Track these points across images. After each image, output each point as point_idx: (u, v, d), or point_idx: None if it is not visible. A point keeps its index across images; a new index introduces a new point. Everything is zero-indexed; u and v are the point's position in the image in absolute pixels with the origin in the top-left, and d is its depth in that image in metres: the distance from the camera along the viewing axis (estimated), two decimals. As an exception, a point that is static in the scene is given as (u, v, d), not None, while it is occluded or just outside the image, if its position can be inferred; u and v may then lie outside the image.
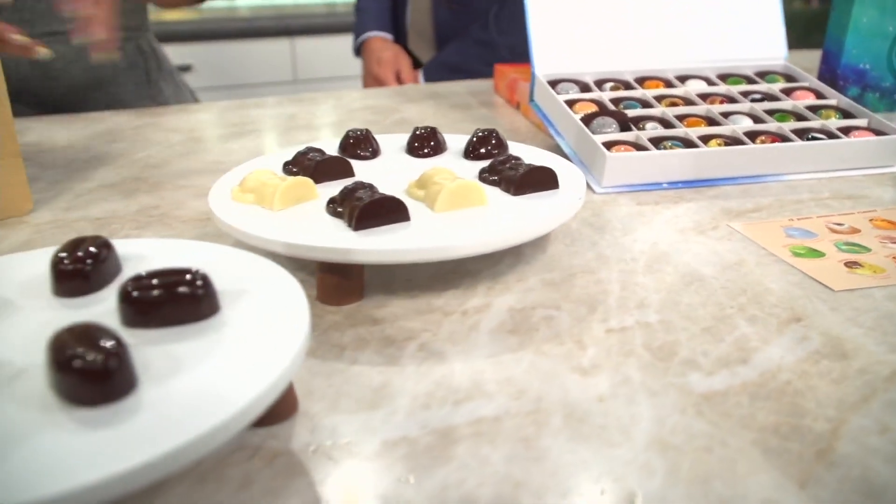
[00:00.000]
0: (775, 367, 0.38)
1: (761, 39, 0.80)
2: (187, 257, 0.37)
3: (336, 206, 0.45)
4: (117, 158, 0.74)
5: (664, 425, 0.34)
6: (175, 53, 1.15)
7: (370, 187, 0.47)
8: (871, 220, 0.55)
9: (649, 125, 0.69)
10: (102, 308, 0.33)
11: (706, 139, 0.66)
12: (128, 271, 0.36)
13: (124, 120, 0.88)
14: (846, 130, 0.68)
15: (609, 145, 0.64)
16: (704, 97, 0.75)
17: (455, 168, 0.52)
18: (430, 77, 1.28)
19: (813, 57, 1.00)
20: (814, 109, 0.73)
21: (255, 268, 0.36)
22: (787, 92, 0.76)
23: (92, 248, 0.34)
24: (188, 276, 0.31)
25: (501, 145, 0.57)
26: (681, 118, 0.70)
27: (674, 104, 0.73)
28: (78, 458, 0.23)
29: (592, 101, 0.72)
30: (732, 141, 0.66)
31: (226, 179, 0.51)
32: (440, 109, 0.91)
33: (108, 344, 0.26)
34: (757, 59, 0.80)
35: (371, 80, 1.34)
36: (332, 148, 0.58)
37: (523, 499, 0.29)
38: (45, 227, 0.57)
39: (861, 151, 0.65)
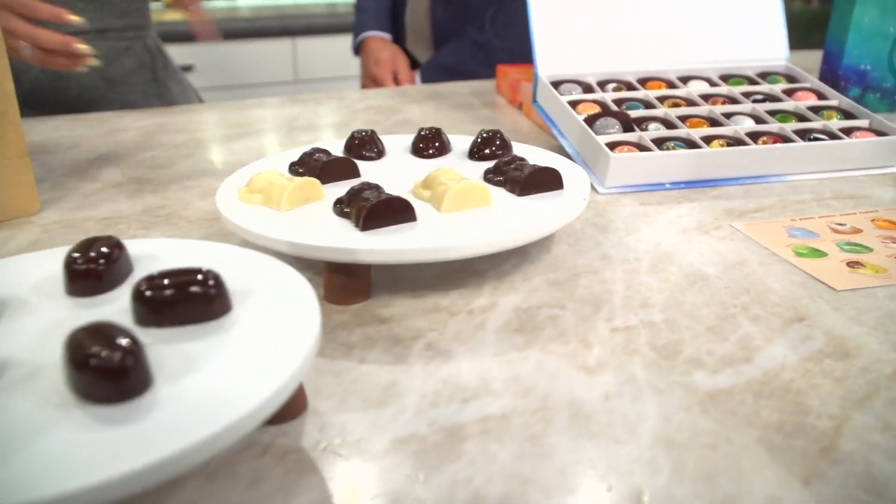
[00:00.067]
0: (779, 366, 0.38)
1: (763, 40, 0.81)
2: (197, 257, 0.37)
3: (343, 207, 0.46)
4: (123, 159, 0.75)
5: (670, 423, 0.34)
6: (176, 53, 1.15)
7: (377, 188, 0.47)
8: (872, 220, 0.56)
9: (652, 126, 0.69)
10: (115, 307, 0.33)
11: (708, 140, 0.67)
12: (139, 271, 0.36)
13: (129, 120, 0.88)
14: (847, 131, 0.69)
15: (612, 146, 0.65)
16: (706, 98, 0.75)
17: (460, 169, 0.53)
18: (427, 78, 1.28)
19: (814, 57, 1.00)
20: (815, 110, 0.73)
21: (264, 267, 0.36)
22: (789, 93, 0.76)
23: (104, 249, 0.35)
24: (200, 276, 0.31)
25: (506, 146, 0.57)
26: (683, 119, 0.70)
27: (676, 105, 0.73)
28: (95, 454, 0.24)
29: (595, 101, 0.73)
30: (734, 141, 0.67)
31: (232, 180, 0.52)
32: (442, 110, 0.91)
33: (124, 342, 0.26)
34: (758, 60, 0.81)
35: (369, 79, 1.35)
36: (337, 149, 0.58)
37: (531, 495, 0.30)
38: (52, 227, 0.58)
39: (862, 152, 0.66)
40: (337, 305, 0.45)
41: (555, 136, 0.72)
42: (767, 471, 0.31)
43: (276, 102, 0.97)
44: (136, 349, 0.26)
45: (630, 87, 0.77)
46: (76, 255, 0.34)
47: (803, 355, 0.39)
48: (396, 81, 1.31)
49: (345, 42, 2.18)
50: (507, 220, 0.45)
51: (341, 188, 0.49)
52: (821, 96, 0.76)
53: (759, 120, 0.71)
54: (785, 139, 0.67)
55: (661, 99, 0.74)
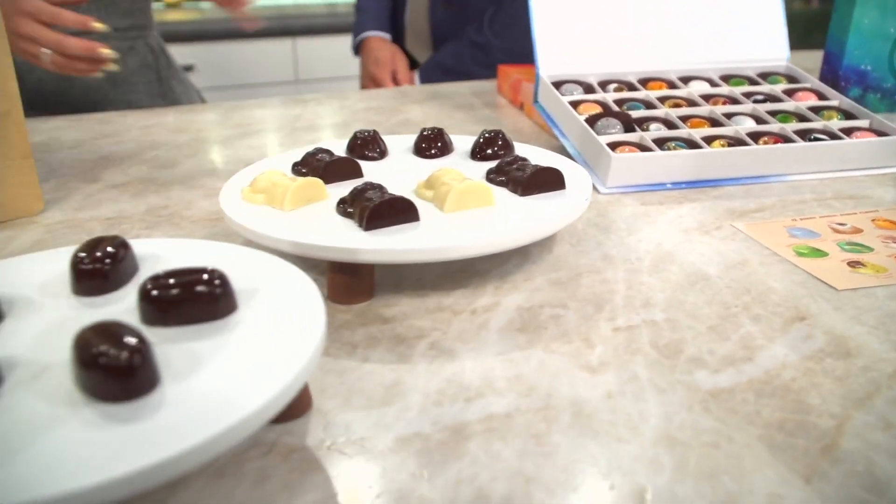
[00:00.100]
0: (780, 365, 0.39)
1: (763, 40, 0.81)
2: (202, 257, 0.38)
3: (346, 207, 0.46)
4: (125, 159, 0.75)
5: (672, 422, 0.34)
6: (177, 53, 1.16)
7: (380, 188, 0.47)
8: (873, 220, 0.56)
9: (653, 126, 0.69)
10: (122, 306, 0.33)
11: (709, 140, 0.67)
12: (144, 271, 0.37)
13: (131, 120, 0.89)
14: (848, 131, 0.69)
15: (613, 146, 0.65)
16: (707, 98, 0.75)
17: (462, 169, 0.53)
18: (426, 78, 1.29)
19: (815, 58, 1.01)
20: (816, 110, 0.73)
21: (269, 267, 0.36)
22: (790, 93, 0.76)
23: (110, 248, 0.35)
24: (206, 276, 0.32)
25: (508, 146, 0.57)
26: (684, 119, 0.71)
27: (677, 105, 0.74)
28: (104, 452, 0.24)
29: (596, 102, 0.73)
30: (735, 142, 0.67)
31: (235, 180, 0.52)
32: (444, 110, 0.91)
33: (132, 341, 0.26)
34: (759, 61, 0.81)
35: (368, 79, 1.35)
36: (340, 149, 0.58)
37: (535, 493, 0.30)
38: (56, 227, 0.58)
39: (863, 152, 0.66)
40: (340, 305, 0.45)
41: (556, 136, 0.72)
42: (769, 469, 0.31)
43: (278, 102, 0.97)
44: (143, 348, 0.27)
45: (631, 87, 0.77)
46: (83, 254, 0.34)
47: (804, 354, 0.39)
48: (395, 81, 1.31)
49: (345, 42, 2.18)
50: (509, 220, 0.45)
51: (344, 188, 0.49)
52: (821, 96, 0.76)
53: (759, 120, 0.71)
54: (786, 139, 0.67)
55: (662, 99, 0.75)
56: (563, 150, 0.70)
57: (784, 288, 0.46)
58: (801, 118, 0.72)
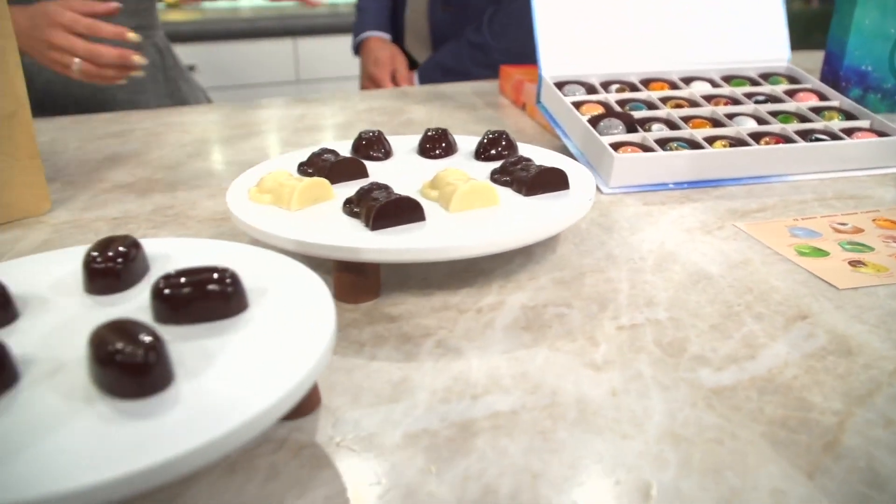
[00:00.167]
0: (782, 363, 0.39)
1: (764, 41, 0.81)
2: (212, 256, 0.38)
3: (353, 207, 0.47)
4: (130, 159, 0.75)
5: (676, 418, 0.35)
6: (178, 54, 1.17)
7: (386, 188, 0.48)
8: (874, 219, 0.57)
9: (655, 126, 0.70)
10: (134, 305, 0.34)
11: (711, 140, 0.67)
12: (155, 270, 0.37)
13: (135, 121, 0.89)
14: (849, 132, 0.69)
15: (616, 146, 0.65)
16: (709, 99, 0.76)
17: (466, 169, 0.53)
18: (425, 78, 1.29)
19: (815, 58, 1.01)
20: (817, 111, 0.74)
21: (278, 266, 0.37)
22: (791, 93, 0.77)
23: (122, 248, 0.35)
24: (218, 275, 0.32)
25: (511, 146, 0.58)
26: (686, 119, 0.71)
27: (679, 106, 0.74)
28: (121, 447, 0.25)
29: (599, 102, 0.74)
30: (737, 142, 0.67)
31: (241, 180, 0.53)
32: (446, 110, 0.92)
33: (147, 339, 0.27)
34: (760, 61, 0.82)
35: (367, 79, 1.36)
36: (344, 149, 0.59)
37: (541, 489, 0.31)
38: (63, 227, 0.58)
39: (864, 152, 0.66)
40: (347, 304, 0.45)
41: (558, 136, 0.73)
42: (772, 465, 0.32)
43: (281, 103, 0.97)
44: (158, 345, 0.27)
45: (633, 87, 0.78)
46: (95, 254, 0.35)
47: (806, 353, 0.40)
48: (395, 82, 1.32)
49: (346, 42, 2.19)
50: (514, 219, 0.46)
51: (350, 188, 0.49)
52: (822, 97, 0.77)
53: (761, 121, 0.71)
54: (787, 140, 0.68)
55: (664, 100, 0.75)
56: (565, 151, 0.71)
57: (786, 287, 0.47)
58: (802, 119, 0.72)
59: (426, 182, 0.51)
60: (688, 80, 0.79)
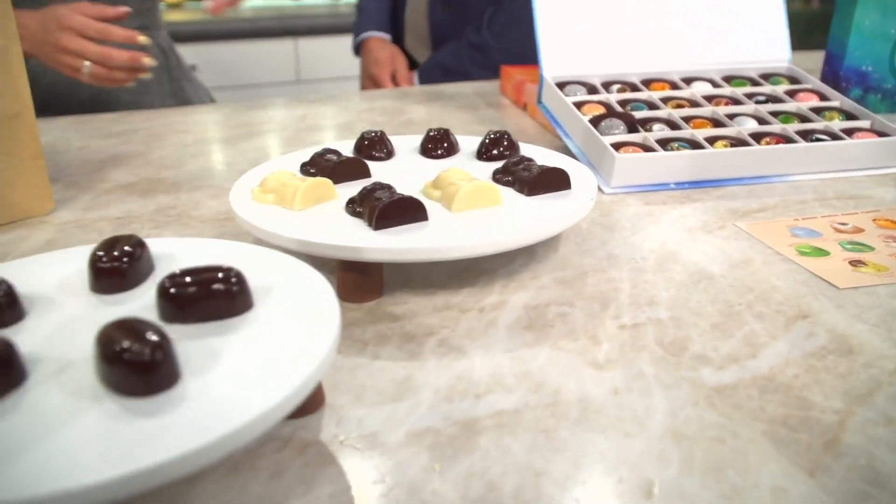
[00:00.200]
0: (783, 362, 0.39)
1: (765, 42, 0.82)
2: (216, 256, 0.38)
3: (356, 206, 0.47)
4: (132, 159, 0.75)
5: (677, 417, 0.35)
6: (181, 53, 1.17)
7: (388, 188, 0.48)
8: (874, 219, 0.57)
9: (656, 127, 0.70)
10: (140, 304, 0.34)
11: (712, 140, 0.68)
12: (160, 269, 0.37)
13: (137, 121, 0.89)
14: (849, 132, 0.70)
15: (617, 146, 0.66)
16: (710, 99, 0.76)
17: (468, 169, 0.54)
18: (424, 78, 1.29)
19: (816, 58, 1.01)
20: (817, 111, 0.74)
21: (282, 266, 0.37)
22: (791, 94, 0.77)
23: (127, 247, 0.36)
24: (223, 274, 0.32)
25: (513, 147, 0.58)
26: (687, 120, 0.71)
27: (680, 106, 0.74)
28: (128, 445, 0.25)
29: (600, 102, 0.74)
30: (738, 142, 0.67)
31: (244, 180, 0.53)
32: (447, 111, 0.92)
33: (154, 338, 0.27)
34: (761, 62, 0.82)
35: (367, 79, 1.36)
36: (347, 149, 0.59)
37: (545, 487, 0.31)
38: (66, 227, 0.59)
39: (864, 152, 0.67)
40: (350, 303, 0.46)
41: (559, 136, 0.73)
42: (773, 463, 0.32)
43: (282, 103, 0.98)
44: (165, 344, 0.27)
45: (634, 88, 0.78)
46: (101, 253, 0.35)
47: (807, 352, 0.40)
48: (395, 82, 1.32)
49: (347, 42, 2.20)
50: (517, 219, 0.46)
51: (353, 188, 0.50)
52: (822, 97, 0.77)
53: (761, 121, 0.72)
54: (787, 140, 0.68)
55: (665, 100, 0.75)
56: (566, 151, 0.71)
57: (787, 286, 0.47)
58: (803, 119, 0.73)
59: (428, 182, 0.52)
60: (689, 81, 0.79)
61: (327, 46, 2.40)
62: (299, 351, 0.30)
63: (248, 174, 0.54)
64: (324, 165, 0.54)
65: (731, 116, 0.72)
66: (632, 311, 0.44)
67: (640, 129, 0.69)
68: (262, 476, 0.32)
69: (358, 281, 0.46)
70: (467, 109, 0.92)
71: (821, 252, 0.51)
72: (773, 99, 0.76)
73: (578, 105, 0.73)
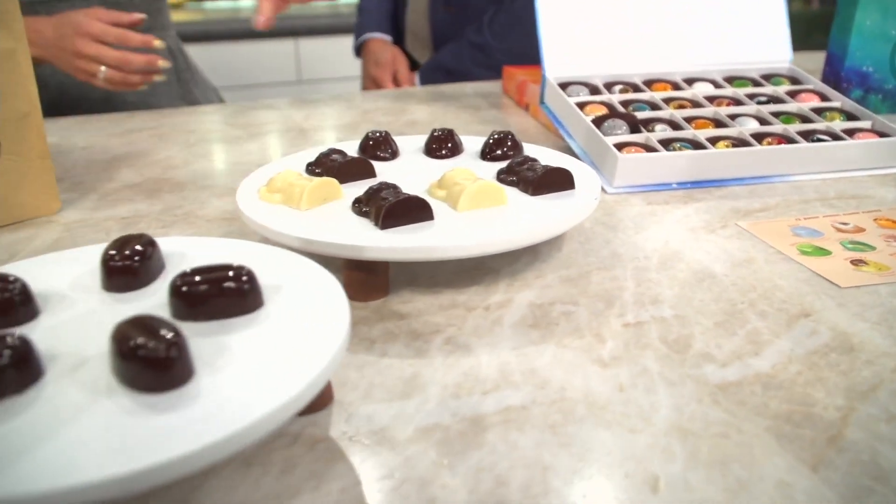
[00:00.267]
0: (786, 360, 0.40)
1: (766, 42, 0.82)
2: (226, 254, 0.39)
3: (362, 206, 0.47)
4: (138, 159, 0.76)
5: (682, 413, 0.35)
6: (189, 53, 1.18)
7: (394, 187, 0.48)
8: (875, 219, 0.57)
9: (658, 127, 0.71)
10: (152, 302, 0.34)
11: (714, 141, 0.68)
12: (171, 268, 0.38)
13: (140, 121, 0.90)
14: (850, 132, 0.70)
15: (619, 147, 0.66)
16: (711, 99, 0.76)
17: (473, 169, 0.54)
18: (426, 79, 1.30)
19: (817, 59, 1.02)
20: (818, 112, 0.74)
21: (291, 264, 0.38)
22: (792, 94, 0.78)
23: (138, 246, 0.36)
24: (234, 272, 0.33)
25: (517, 147, 0.59)
26: (689, 120, 0.72)
27: (682, 106, 0.75)
28: (145, 439, 0.25)
29: (602, 103, 0.74)
30: (739, 142, 0.68)
31: (249, 180, 0.53)
32: (450, 111, 0.93)
33: (169, 334, 0.28)
34: (762, 62, 0.82)
35: (369, 80, 1.37)
36: (351, 149, 0.60)
37: (552, 481, 0.31)
38: (73, 227, 0.59)
39: (865, 153, 0.67)
40: (357, 302, 0.46)
41: (562, 136, 0.73)
42: (777, 458, 0.32)
43: (285, 104, 0.98)
44: (180, 341, 0.28)
45: (636, 88, 0.78)
46: (113, 252, 0.35)
47: (809, 349, 0.41)
48: (396, 82, 1.32)
49: (347, 43, 2.20)
50: (522, 218, 0.46)
51: (358, 188, 0.50)
52: (824, 98, 0.77)
53: (763, 121, 0.72)
54: (789, 140, 0.69)
55: (667, 100, 0.76)
56: (568, 151, 0.71)
57: (789, 285, 0.48)
58: (804, 119, 0.73)
59: (433, 182, 0.52)
60: (690, 81, 0.80)
61: (328, 47, 2.41)
62: (310, 349, 0.31)
63: (254, 174, 0.54)
64: (329, 165, 0.54)
65: (733, 117, 0.73)
66: (636, 310, 0.45)
67: (643, 129, 0.69)
68: (274, 471, 0.32)
69: (365, 280, 0.46)
70: (469, 110, 0.93)
71: (822, 251, 0.52)
72: (774, 99, 0.77)
73: (581, 105, 0.73)
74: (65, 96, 0.98)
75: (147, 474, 0.24)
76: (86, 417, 0.26)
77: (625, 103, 0.75)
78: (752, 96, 0.77)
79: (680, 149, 0.66)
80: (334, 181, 0.50)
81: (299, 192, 0.48)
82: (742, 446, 0.33)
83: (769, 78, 0.81)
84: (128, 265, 0.35)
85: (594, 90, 0.77)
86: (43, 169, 0.60)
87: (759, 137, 0.69)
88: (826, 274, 0.49)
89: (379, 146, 0.59)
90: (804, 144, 0.66)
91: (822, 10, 2.32)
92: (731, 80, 0.81)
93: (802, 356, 0.40)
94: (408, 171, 0.56)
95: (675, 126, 0.71)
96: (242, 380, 0.29)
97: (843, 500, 0.30)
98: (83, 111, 0.97)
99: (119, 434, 0.26)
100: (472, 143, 0.62)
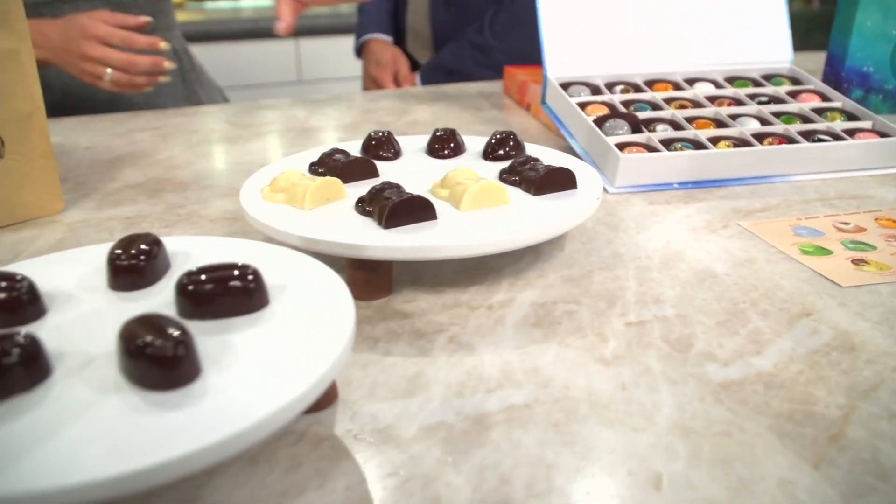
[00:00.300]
0: (788, 359, 0.40)
1: (767, 43, 0.82)
2: (231, 253, 0.39)
3: (365, 206, 0.47)
4: (140, 159, 0.76)
5: (685, 411, 0.36)
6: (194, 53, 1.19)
7: (397, 187, 0.49)
8: (876, 219, 0.57)
9: (659, 127, 0.71)
10: (158, 301, 0.35)
11: (715, 141, 0.68)
12: (176, 267, 0.38)
13: (143, 121, 0.90)
14: (851, 132, 0.70)
15: (621, 147, 0.66)
16: (712, 100, 0.77)
17: (475, 169, 0.54)
18: (427, 79, 1.30)
19: (817, 59, 1.02)
20: (819, 112, 0.75)
21: (296, 263, 0.38)
22: (793, 94, 0.78)
23: (144, 246, 0.36)
24: (240, 271, 0.33)
25: (519, 147, 0.59)
26: (690, 120, 0.72)
27: (683, 106, 0.75)
28: (153, 437, 0.25)
29: (604, 103, 0.75)
30: (740, 142, 0.68)
31: (252, 180, 0.53)
32: (451, 111, 0.93)
33: (176, 333, 0.28)
34: (763, 62, 0.83)
35: (370, 81, 1.37)
36: (354, 149, 0.60)
37: (556, 479, 0.32)
38: (77, 226, 0.59)
39: (865, 153, 0.67)
40: (360, 301, 0.46)
41: (563, 136, 0.74)
42: (779, 456, 0.33)
43: (286, 104, 0.98)
44: (187, 339, 0.28)
45: (637, 88, 0.79)
46: (119, 251, 0.36)
47: (811, 348, 0.41)
48: (397, 83, 1.33)
49: (348, 43, 2.20)
50: (524, 218, 0.47)
51: (361, 188, 0.50)
52: (824, 98, 0.77)
53: (764, 121, 0.72)
54: (790, 140, 0.69)
55: (668, 100, 0.76)
56: (569, 151, 0.72)
57: (790, 285, 0.48)
58: (805, 119, 0.73)
59: (436, 181, 0.52)
60: (691, 82, 0.80)
61: (329, 47, 2.41)
62: (316, 347, 0.31)
63: (257, 174, 0.55)
64: (332, 165, 0.54)
65: (734, 117, 0.73)
66: (638, 309, 0.45)
67: (644, 129, 0.70)
68: (279, 469, 0.32)
69: (368, 279, 0.46)
70: (471, 110, 0.93)
71: (823, 251, 0.52)
72: (775, 100, 0.77)
73: (582, 106, 0.73)
74: (69, 97, 0.99)
75: (154, 472, 0.25)
76: (94, 415, 0.27)
77: (626, 103, 0.75)
78: (752, 96, 0.77)
79: (681, 149, 0.66)
80: (337, 181, 0.50)
81: (303, 191, 0.48)
82: (744, 445, 0.33)
83: (770, 78, 0.82)
84: (134, 264, 0.35)
85: (595, 90, 0.78)
86: (46, 169, 0.60)
87: (759, 137, 0.69)
88: (827, 273, 0.49)
89: (382, 146, 0.59)
90: (805, 144, 0.67)
91: (823, 10, 2.33)
92: (732, 80, 0.81)
93: (804, 355, 0.40)
94: (410, 171, 0.56)
95: (676, 126, 0.71)
96: (249, 378, 0.29)
97: (844, 497, 0.30)
98: (88, 112, 0.98)
99: (127, 431, 0.26)
100: (474, 143, 0.62)
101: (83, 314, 0.33)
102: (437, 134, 0.60)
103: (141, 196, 0.66)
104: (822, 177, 0.67)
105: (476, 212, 0.48)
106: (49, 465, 0.24)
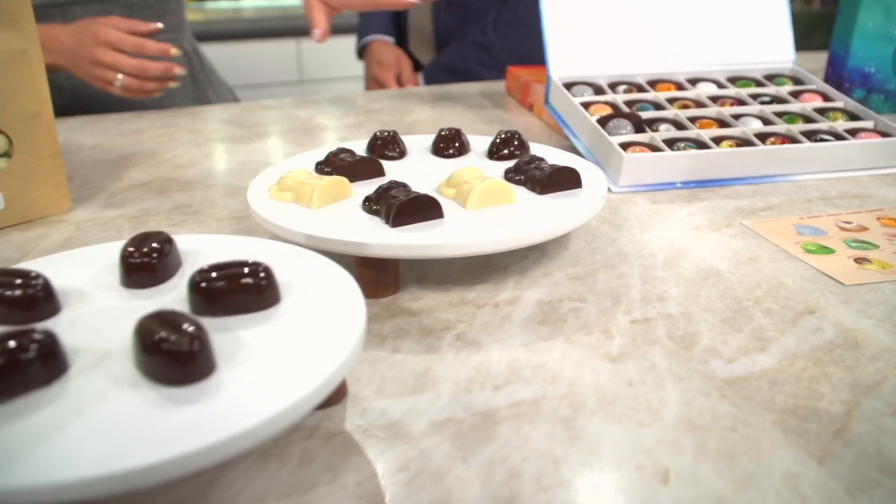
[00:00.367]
0: (791, 356, 0.40)
1: (769, 43, 0.83)
2: (241, 251, 0.39)
3: (372, 205, 0.48)
4: (146, 158, 0.77)
5: (691, 407, 0.36)
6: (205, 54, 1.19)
7: (404, 186, 0.49)
8: (878, 218, 0.58)
9: (662, 127, 0.71)
10: (170, 298, 0.35)
11: (718, 140, 0.69)
12: (188, 264, 0.38)
13: (147, 121, 0.90)
14: (853, 132, 0.71)
15: (624, 146, 0.67)
16: (715, 100, 0.77)
17: (480, 168, 0.55)
18: (430, 79, 1.30)
19: (819, 59, 1.03)
20: (821, 112, 0.75)
21: (306, 262, 0.38)
22: (795, 94, 0.78)
23: (156, 244, 0.37)
24: (252, 268, 0.33)
25: (524, 146, 0.59)
26: (692, 120, 0.72)
27: (685, 106, 0.76)
28: (170, 431, 0.26)
29: (607, 103, 0.75)
30: (743, 142, 0.69)
31: (259, 179, 0.54)
32: (455, 111, 0.93)
33: (192, 328, 0.28)
34: (765, 63, 0.83)
35: (372, 82, 1.37)
36: (360, 148, 0.60)
37: (564, 473, 0.32)
38: (84, 225, 0.60)
39: (867, 153, 0.68)
40: (368, 299, 0.47)
41: (566, 136, 0.74)
42: (784, 451, 0.33)
43: (289, 104, 0.99)
44: (202, 335, 0.28)
45: (640, 88, 0.79)
46: (132, 249, 0.36)
47: (814, 345, 0.41)
48: (399, 83, 1.33)
49: (349, 43, 2.20)
50: (530, 217, 0.47)
51: (367, 187, 0.51)
52: (826, 98, 0.78)
53: (766, 121, 0.73)
54: (792, 140, 0.69)
55: (671, 100, 0.77)
56: (573, 150, 0.72)
57: (793, 283, 0.48)
58: (807, 119, 0.74)
59: (442, 180, 0.53)
60: (694, 82, 0.81)
61: (330, 47, 2.41)
62: (327, 344, 0.31)
63: (263, 173, 0.55)
64: (339, 164, 0.55)
65: (737, 117, 0.73)
66: (643, 307, 0.45)
67: (647, 129, 0.70)
68: (291, 464, 0.33)
69: (375, 277, 0.47)
70: (474, 109, 0.94)
71: (826, 250, 0.52)
72: (777, 100, 0.77)
73: (586, 105, 0.74)
74: (79, 100, 0.99)
75: (170, 465, 0.25)
76: (110, 409, 0.27)
77: (629, 103, 0.76)
78: (755, 96, 0.78)
79: (684, 148, 0.67)
80: (344, 180, 0.51)
81: (310, 190, 0.49)
82: (749, 439, 0.34)
83: (772, 78, 0.82)
84: (146, 262, 0.36)
85: (598, 90, 0.78)
86: (54, 168, 0.61)
87: (762, 137, 0.70)
88: (830, 272, 0.49)
89: (387, 145, 0.60)
90: (807, 144, 0.67)
91: (824, 11, 2.33)
92: (735, 80, 0.81)
93: (807, 352, 0.41)
94: (416, 170, 0.57)
95: (679, 126, 0.72)
96: (261, 374, 0.29)
97: (848, 491, 0.31)
98: (97, 114, 0.98)
99: (143, 425, 0.26)
100: (479, 142, 0.63)
101: (97, 311, 0.34)
102: (443, 133, 0.61)
103: (147, 195, 0.66)
104: (824, 176, 0.67)
105: (482, 210, 0.48)
106: (66, 458, 0.25)
